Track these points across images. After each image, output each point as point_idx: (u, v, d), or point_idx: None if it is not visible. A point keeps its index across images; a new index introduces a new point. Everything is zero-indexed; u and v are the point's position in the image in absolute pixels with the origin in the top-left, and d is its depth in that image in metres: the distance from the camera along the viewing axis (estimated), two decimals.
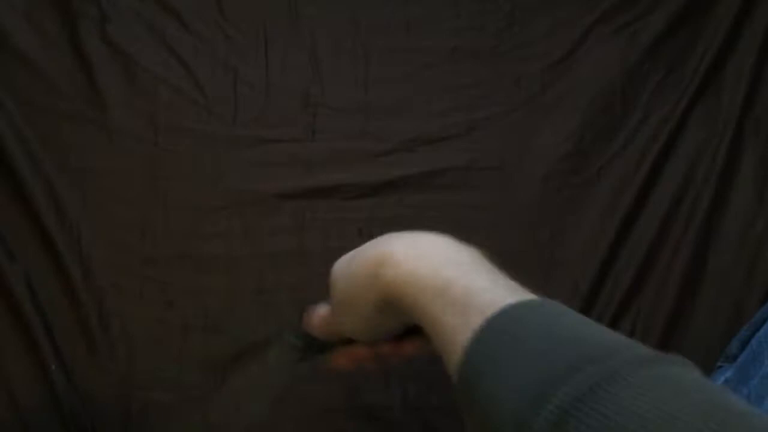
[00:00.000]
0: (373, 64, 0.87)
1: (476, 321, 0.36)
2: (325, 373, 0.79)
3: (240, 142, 0.84)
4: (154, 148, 0.83)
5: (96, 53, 0.83)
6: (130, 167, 0.82)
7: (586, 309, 0.83)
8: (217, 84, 0.85)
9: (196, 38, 0.85)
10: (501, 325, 0.36)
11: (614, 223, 0.85)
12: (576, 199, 0.86)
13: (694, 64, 0.88)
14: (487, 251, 0.46)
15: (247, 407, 0.72)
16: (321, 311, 0.54)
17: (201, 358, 0.79)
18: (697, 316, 0.83)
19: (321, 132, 0.85)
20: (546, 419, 0.31)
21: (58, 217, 0.79)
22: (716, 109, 0.88)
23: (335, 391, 0.79)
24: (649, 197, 0.86)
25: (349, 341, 0.54)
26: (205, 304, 0.80)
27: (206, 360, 0.79)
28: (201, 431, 0.78)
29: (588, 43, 0.89)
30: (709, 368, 0.72)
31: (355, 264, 0.48)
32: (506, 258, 0.82)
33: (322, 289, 0.54)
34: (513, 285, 0.40)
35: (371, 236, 0.55)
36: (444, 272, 0.41)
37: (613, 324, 0.83)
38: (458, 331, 0.37)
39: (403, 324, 0.48)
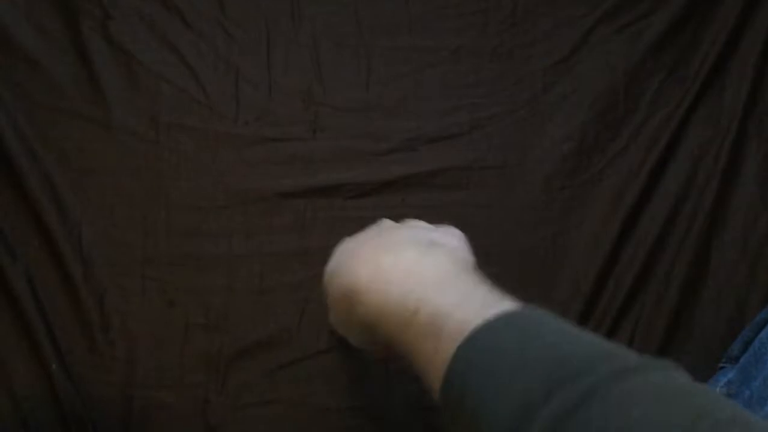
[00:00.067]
0: (375, 63, 0.87)
1: (449, 348, 0.35)
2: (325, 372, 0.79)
3: (241, 141, 0.84)
4: (156, 146, 0.82)
5: (97, 51, 0.83)
6: (132, 166, 0.82)
7: (587, 309, 0.83)
8: (219, 83, 0.84)
9: (198, 37, 0.85)
10: (473, 351, 0.34)
11: (616, 222, 0.84)
12: (578, 198, 0.86)
13: (697, 63, 0.88)
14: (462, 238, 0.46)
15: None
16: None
17: (202, 358, 0.79)
18: (700, 316, 0.83)
19: (323, 131, 0.85)
20: None
21: (59, 216, 0.79)
22: (719, 109, 0.87)
23: (336, 391, 0.79)
24: (652, 197, 0.86)
25: None
26: (206, 303, 0.80)
27: (207, 359, 0.79)
28: (201, 431, 0.78)
29: (590, 43, 0.89)
30: (711, 369, 0.72)
31: (333, 290, 0.47)
32: (507, 258, 0.83)
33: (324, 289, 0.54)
34: (483, 293, 0.38)
35: None
36: (410, 298, 0.39)
37: (615, 325, 0.83)
38: (432, 359, 0.37)
39: None
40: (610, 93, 0.88)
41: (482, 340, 0.34)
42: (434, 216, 0.85)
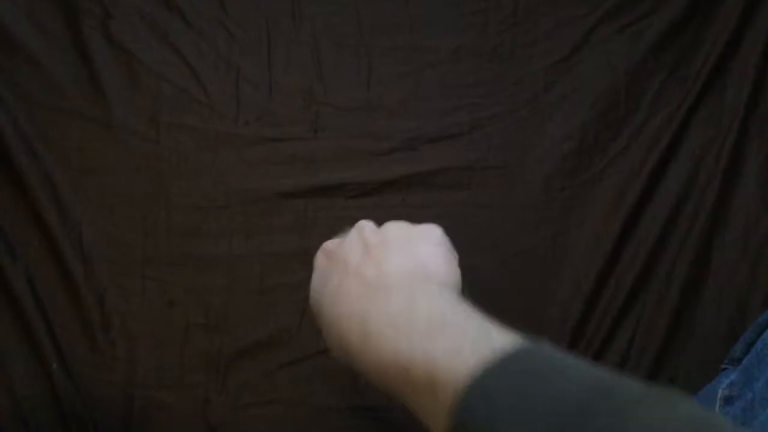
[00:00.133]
0: (376, 63, 0.87)
1: (446, 403, 0.34)
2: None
3: (242, 141, 0.83)
4: (156, 146, 0.82)
5: (98, 51, 0.83)
6: (132, 165, 0.82)
7: (588, 309, 0.83)
8: (220, 82, 0.84)
9: (199, 36, 0.85)
10: (470, 407, 0.33)
11: (617, 223, 0.84)
12: (579, 198, 0.86)
13: (698, 63, 0.88)
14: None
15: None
16: None
17: (202, 358, 0.79)
18: (701, 316, 0.83)
19: (323, 130, 0.85)
20: None
21: (60, 216, 0.79)
22: (720, 110, 0.87)
23: (336, 391, 0.79)
24: (653, 197, 0.86)
25: None
26: (206, 303, 0.80)
27: (207, 359, 0.79)
28: (202, 431, 0.78)
29: (591, 43, 0.89)
30: (712, 368, 0.72)
31: (324, 331, 0.46)
32: (508, 258, 0.83)
33: None
34: (475, 333, 0.37)
35: None
36: (402, 353, 0.38)
37: (616, 324, 0.82)
38: (432, 414, 0.36)
39: None
40: (611, 93, 0.88)
41: (478, 394, 0.33)
42: (435, 216, 0.85)
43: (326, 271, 0.48)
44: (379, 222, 0.64)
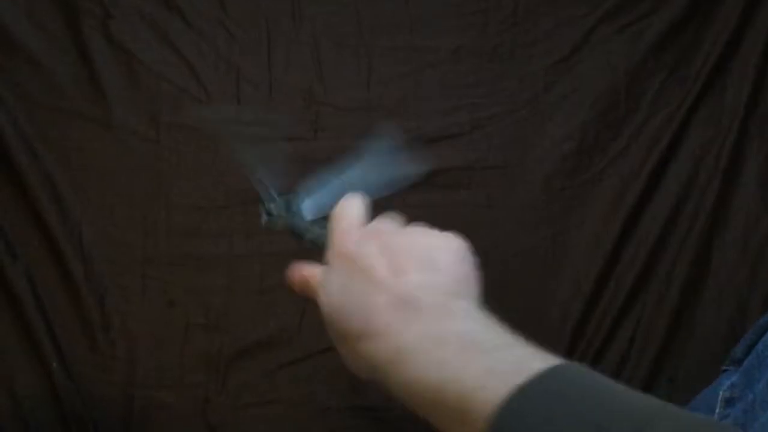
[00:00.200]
0: (376, 63, 0.87)
1: (479, 428, 0.34)
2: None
3: (242, 141, 0.83)
4: (156, 146, 0.82)
5: (98, 51, 0.83)
6: (132, 165, 0.82)
7: (588, 309, 0.83)
8: (220, 82, 0.84)
9: (199, 36, 0.85)
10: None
11: (617, 222, 0.84)
12: (579, 198, 0.86)
13: (699, 63, 0.88)
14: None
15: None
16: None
17: (202, 357, 0.79)
18: (701, 316, 0.83)
19: (323, 130, 0.85)
20: None
21: (60, 216, 0.79)
22: (720, 110, 0.87)
23: (336, 391, 0.79)
24: (653, 197, 0.86)
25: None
26: (206, 303, 0.80)
27: (207, 359, 0.79)
28: (202, 431, 0.78)
29: (591, 43, 0.89)
30: (713, 370, 0.72)
31: (340, 349, 0.45)
32: (508, 258, 0.83)
33: None
34: (505, 355, 0.36)
35: None
36: (432, 378, 0.37)
37: (616, 325, 0.82)
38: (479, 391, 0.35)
39: None
40: (611, 93, 0.88)
41: (508, 423, 0.33)
42: (435, 216, 0.84)
43: (346, 278, 0.44)
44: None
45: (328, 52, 0.87)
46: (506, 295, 0.83)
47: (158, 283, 0.80)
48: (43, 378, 0.76)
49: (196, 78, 0.84)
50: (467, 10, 0.88)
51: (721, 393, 0.55)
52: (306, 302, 0.80)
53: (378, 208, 0.82)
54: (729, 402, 0.55)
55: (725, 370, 0.58)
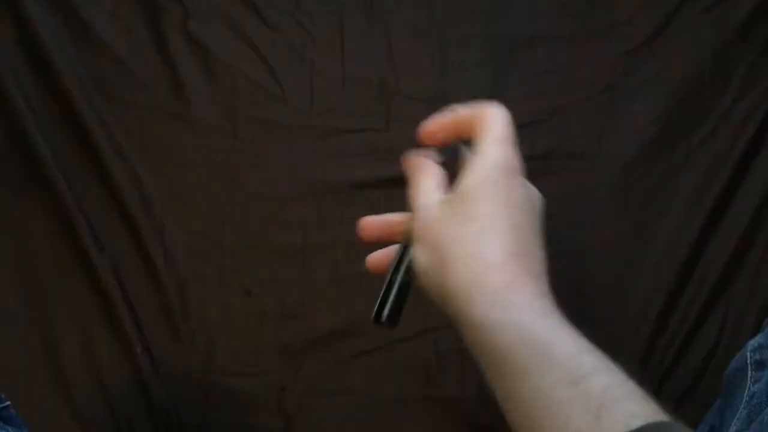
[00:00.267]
0: (450, 53, 0.86)
1: (615, 428, 0.31)
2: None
3: (316, 133, 0.84)
4: (234, 140, 0.84)
5: (178, 49, 0.85)
6: (211, 159, 0.84)
7: (672, 300, 0.80)
8: (294, 76, 0.85)
9: (273, 31, 0.86)
10: None
11: (703, 211, 0.81)
12: (662, 186, 0.83)
13: None
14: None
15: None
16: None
17: (277, 346, 0.80)
18: None
19: (397, 121, 0.85)
20: None
21: (144, 208, 0.82)
22: None
23: (409, 382, 0.79)
24: (741, 185, 0.82)
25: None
26: (281, 292, 0.81)
27: (282, 347, 0.80)
28: (277, 418, 0.79)
29: (674, 25, 0.86)
30: None
31: (437, 299, 0.40)
32: (589, 248, 0.81)
33: None
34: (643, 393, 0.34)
35: None
36: (585, 357, 0.34)
37: (701, 318, 0.79)
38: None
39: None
40: (696, 77, 0.85)
41: None
42: None
43: (445, 252, 0.39)
44: None
45: (401, 43, 0.87)
46: (587, 287, 0.81)
47: (235, 272, 0.81)
48: (128, 365, 0.79)
49: (271, 72, 0.85)
50: None
51: (749, 355, 0.53)
52: (379, 292, 0.81)
53: None
54: (760, 365, 0.52)
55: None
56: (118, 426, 0.78)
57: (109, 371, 0.79)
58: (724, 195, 0.82)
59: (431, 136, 0.47)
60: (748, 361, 0.53)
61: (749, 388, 0.52)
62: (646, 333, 0.79)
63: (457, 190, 0.42)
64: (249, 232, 0.82)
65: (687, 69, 0.85)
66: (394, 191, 0.82)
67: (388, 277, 0.45)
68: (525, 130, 0.83)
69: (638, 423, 0.31)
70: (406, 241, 0.45)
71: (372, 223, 0.48)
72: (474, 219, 0.40)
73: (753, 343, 0.54)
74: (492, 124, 0.44)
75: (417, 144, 0.83)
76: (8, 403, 0.59)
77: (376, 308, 0.44)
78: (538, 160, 0.84)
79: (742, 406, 0.52)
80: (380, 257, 0.47)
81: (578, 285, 0.80)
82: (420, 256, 0.41)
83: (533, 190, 0.44)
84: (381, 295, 0.44)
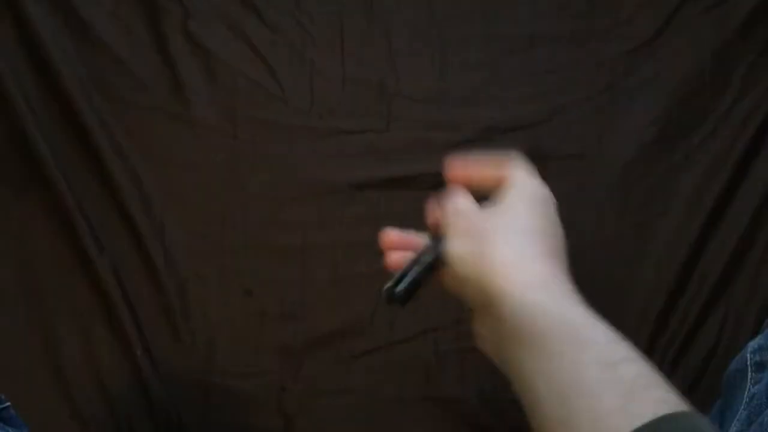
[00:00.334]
0: (450, 53, 0.86)
1: (644, 412, 0.32)
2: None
3: (316, 134, 0.84)
4: (233, 140, 0.84)
5: (178, 49, 0.85)
6: (211, 159, 0.84)
7: (672, 300, 0.80)
8: (294, 76, 0.85)
9: (273, 31, 0.86)
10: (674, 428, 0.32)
11: (703, 211, 0.81)
12: (662, 186, 0.83)
13: None
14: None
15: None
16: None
17: (277, 346, 0.80)
18: None
19: (397, 122, 0.85)
20: None
21: (144, 208, 0.82)
22: None
23: (409, 382, 0.79)
24: (741, 185, 0.82)
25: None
26: (281, 292, 0.81)
27: (282, 348, 0.80)
28: (277, 418, 0.79)
29: (675, 24, 0.86)
30: None
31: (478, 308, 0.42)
32: (589, 248, 0.81)
33: None
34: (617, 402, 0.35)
35: None
36: (618, 345, 0.36)
37: (701, 317, 0.79)
38: (615, 414, 0.33)
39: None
40: (696, 77, 0.85)
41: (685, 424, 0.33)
42: None
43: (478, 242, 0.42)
44: None
45: (401, 43, 0.87)
46: (587, 286, 0.81)
47: (235, 272, 0.81)
48: (128, 366, 0.79)
49: (271, 73, 0.85)
50: None
51: (749, 357, 0.53)
52: (379, 293, 0.81)
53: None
54: (760, 366, 0.53)
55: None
56: (118, 426, 0.78)
57: (109, 371, 0.79)
58: (724, 195, 0.82)
59: (455, 179, 0.50)
60: (748, 363, 0.54)
61: (749, 389, 0.52)
62: (646, 333, 0.79)
63: (494, 205, 0.45)
64: (249, 232, 0.82)
65: (687, 69, 0.85)
66: (394, 191, 0.83)
67: (410, 261, 0.46)
68: (525, 130, 0.85)
69: (665, 409, 0.32)
70: (435, 236, 0.47)
71: (394, 237, 0.50)
72: (514, 221, 0.43)
73: (753, 344, 0.55)
74: (517, 170, 0.48)
75: (416, 144, 0.84)
76: (8, 403, 0.59)
77: (392, 283, 0.45)
78: (538, 160, 0.83)
79: (742, 407, 0.52)
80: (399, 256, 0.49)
81: (578, 285, 0.80)
82: (456, 245, 0.43)
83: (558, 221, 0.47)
84: (400, 273, 0.46)
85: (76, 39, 0.84)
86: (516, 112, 0.85)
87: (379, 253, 0.83)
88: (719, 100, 0.84)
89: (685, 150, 0.83)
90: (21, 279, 0.81)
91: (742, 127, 0.83)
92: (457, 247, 0.43)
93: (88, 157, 0.82)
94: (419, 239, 0.48)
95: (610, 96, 0.85)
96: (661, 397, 0.34)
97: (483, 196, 0.47)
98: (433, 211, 0.48)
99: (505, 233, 0.42)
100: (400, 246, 0.49)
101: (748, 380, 0.53)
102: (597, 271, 0.82)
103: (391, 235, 0.49)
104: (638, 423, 0.32)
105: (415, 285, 0.45)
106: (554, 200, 0.46)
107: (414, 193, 0.83)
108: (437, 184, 0.82)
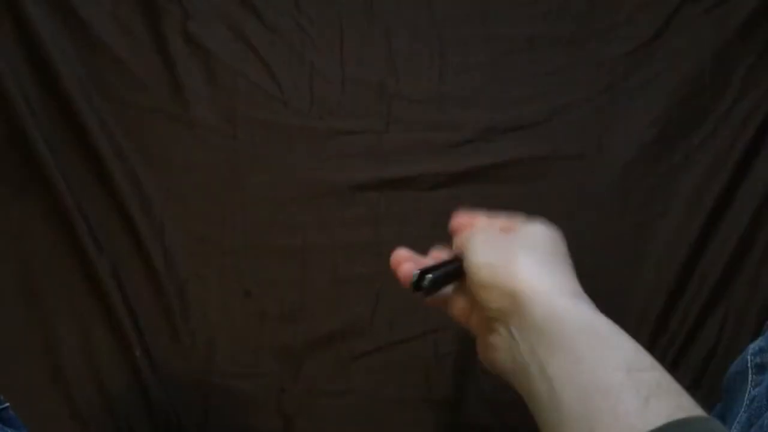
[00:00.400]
0: (449, 54, 0.86)
1: (660, 415, 0.34)
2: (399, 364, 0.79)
3: (316, 134, 0.84)
4: (233, 141, 0.84)
5: (178, 50, 0.85)
6: (211, 160, 0.84)
7: (672, 300, 0.80)
8: (293, 77, 0.85)
9: (273, 32, 0.86)
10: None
11: (702, 211, 0.81)
12: (662, 187, 0.83)
13: None
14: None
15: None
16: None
17: (277, 347, 0.80)
18: None
19: (396, 123, 0.85)
20: None
21: (143, 209, 0.82)
22: None
23: (409, 383, 0.79)
24: (741, 185, 0.82)
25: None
26: (281, 293, 0.81)
27: (282, 348, 0.80)
28: (276, 419, 0.79)
29: (675, 25, 0.86)
30: None
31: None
32: (589, 249, 0.81)
33: (396, 281, 0.54)
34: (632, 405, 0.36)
35: (445, 228, 0.55)
36: (642, 355, 0.38)
37: (702, 318, 0.79)
38: (632, 415, 0.34)
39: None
40: (696, 78, 0.85)
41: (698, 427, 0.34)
42: (513, 207, 0.83)
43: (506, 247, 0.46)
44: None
45: (400, 44, 0.87)
46: (586, 287, 0.81)
47: (235, 273, 0.81)
48: (128, 366, 0.79)
49: (271, 74, 0.85)
50: None
51: (749, 359, 0.54)
52: (379, 294, 0.81)
53: (451, 200, 0.82)
54: (760, 368, 0.53)
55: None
56: (117, 427, 0.78)
57: (109, 372, 0.79)
58: (724, 195, 0.82)
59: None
60: (749, 365, 0.54)
61: (750, 391, 0.53)
62: (646, 333, 0.79)
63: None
64: (249, 233, 0.82)
65: (687, 70, 0.85)
66: (394, 192, 0.83)
67: (441, 261, 0.49)
68: (525, 131, 0.85)
69: (681, 414, 0.34)
70: (461, 247, 0.50)
71: (405, 256, 0.52)
72: (532, 242, 0.46)
73: (754, 346, 0.55)
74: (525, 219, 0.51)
75: (416, 145, 0.83)
76: (8, 404, 0.59)
77: (419, 274, 0.47)
78: (538, 160, 0.84)
79: (743, 409, 0.52)
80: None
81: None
82: (482, 254, 0.46)
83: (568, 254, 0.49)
84: (431, 266, 0.48)
85: (76, 39, 0.84)
86: (516, 113, 0.85)
87: (379, 254, 0.84)
88: (719, 101, 0.84)
89: (685, 150, 0.84)
90: (20, 279, 0.81)
91: (742, 127, 0.83)
92: (483, 256, 0.46)
93: (88, 158, 0.82)
94: (424, 260, 0.50)
95: (610, 96, 0.85)
96: (678, 403, 0.35)
97: None
98: (459, 221, 0.52)
99: (524, 249, 0.45)
100: (408, 264, 0.51)
101: (749, 382, 0.53)
102: (597, 271, 0.82)
103: (402, 253, 0.52)
104: (654, 425, 0.33)
105: (443, 280, 0.48)
106: (563, 238, 0.49)
107: (414, 193, 0.83)
108: (436, 184, 0.83)
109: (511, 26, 0.87)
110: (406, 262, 0.50)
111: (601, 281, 0.81)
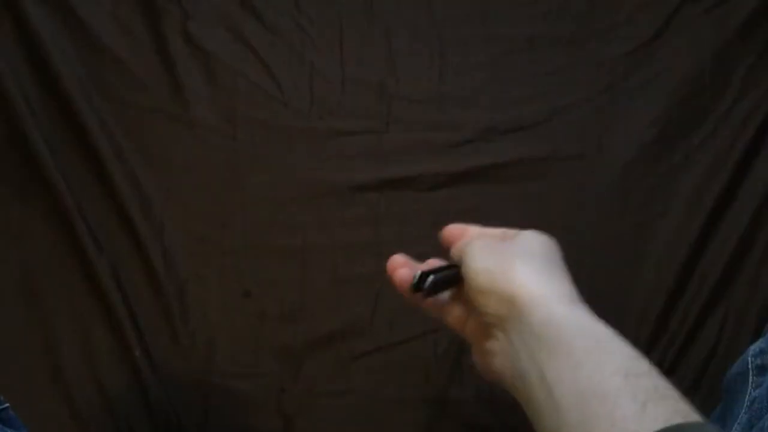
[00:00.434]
0: (449, 54, 0.86)
1: (658, 420, 0.34)
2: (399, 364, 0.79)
3: (315, 134, 0.84)
4: (233, 141, 0.84)
5: (178, 50, 0.85)
6: (211, 160, 0.84)
7: (672, 300, 0.80)
8: (293, 77, 0.85)
9: (273, 33, 0.86)
10: None
11: (702, 211, 0.81)
12: (662, 187, 0.83)
13: None
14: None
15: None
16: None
17: (277, 347, 0.80)
18: None
19: (396, 123, 0.85)
20: None
21: (143, 209, 0.82)
22: None
23: (409, 383, 0.79)
24: (741, 185, 0.82)
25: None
26: (281, 293, 0.81)
27: (282, 349, 0.80)
28: (276, 419, 0.79)
29: (675, 25, 0.86)
30: None
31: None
32: (589, 249, 0.81)
33: None
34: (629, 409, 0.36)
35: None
36: (639, 361, 0.38)
37: (702, 318, 0.79)
38: (630, 420, 0.35)
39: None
40: (696, 78, 0.85)
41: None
42: (513, 207, 0.84)
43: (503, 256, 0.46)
44: (455, 214, 0.63)
45: (400, 45, 0.87)
46: (587, 287, 0.81)
47: (235, 273, 0.81)
48: (128, 367, 0.79)
49: (271, 74, 0.85)
50: None
51: (750, 360, 0.54)
52: (379, 294, 0.81)
53: (451, 200, 0.82)
54: (761, 370, 0.54)
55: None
56: (117, 427, 0.78)
57: (109, 372, 0.79)
58: (724, 195, 0.82)
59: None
60: (749, 366, 0.54)
61: (750, 393, 0.53)
62: (646, 333, 0.79)
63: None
64: (249, 233, 0.82)
65: (687, 69, 0.85)
66: (394, 192, 0.83)
67: (442, 265, 0.50)
68: (525, 131, 0.85)
69: (679, 419, 0.34)
70: (460, 254, 0.49)
71: (401, 262, 0.52)
72: (529, 249, 0.46)
73: (754, 348, 0.55)
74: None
75: (416, 145, 0.83)
76: (7, 405, 0.59)
77: (420, 275, 0.47)
78: (538, 160, 0.84)
79: (743, 411, 0.52)
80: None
81: (577, 285, 0.80)
82: (481, 260, 0.46)
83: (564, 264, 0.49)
84: (434, 269, 0.48)
85: (76, 39, 0.84)
86: (516, 113, 0.85)
87: (379, 254, 0.84)
88: (719, 101, 0.84)
89: (685, 150, 0.84)
90: (20, 280, 0.81)
91: (742, 127, 0.83)
92: (481, 262, 0.46)
93: (88, 158, 0.82)
94: (421, 266, 0.51)
95: (610, 96, 0.85)
96: (675, 408, 0.35)
97: None
98: (451, 232, 0.52)
99: (522, 256, 0.45)
100: (405, 269, 0.51)
101: (749, 384, 0.53)
102: (597, 272, 0.82)
103: (398, 259, 0.52)
104: (651, 430, 0.33)
105: (443, 284, 0.48)
106: (559, 246, 0.48)
107: (414, 193, 0.83)
108: (436, 184, 0.83)
109: (511, 26, 0.87)
110: (402, 268, 0.50)
111: (601, 281, 0.82)
